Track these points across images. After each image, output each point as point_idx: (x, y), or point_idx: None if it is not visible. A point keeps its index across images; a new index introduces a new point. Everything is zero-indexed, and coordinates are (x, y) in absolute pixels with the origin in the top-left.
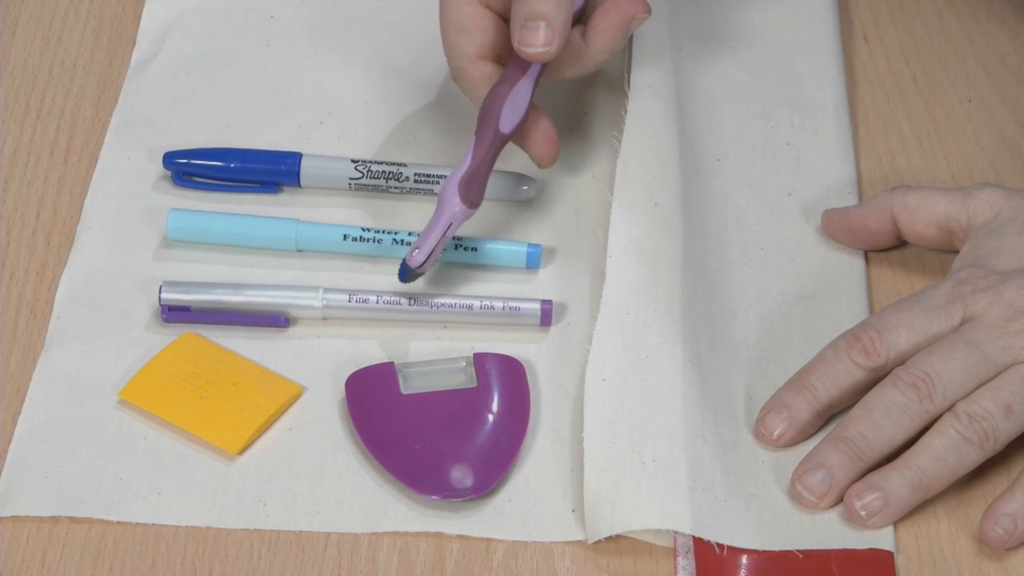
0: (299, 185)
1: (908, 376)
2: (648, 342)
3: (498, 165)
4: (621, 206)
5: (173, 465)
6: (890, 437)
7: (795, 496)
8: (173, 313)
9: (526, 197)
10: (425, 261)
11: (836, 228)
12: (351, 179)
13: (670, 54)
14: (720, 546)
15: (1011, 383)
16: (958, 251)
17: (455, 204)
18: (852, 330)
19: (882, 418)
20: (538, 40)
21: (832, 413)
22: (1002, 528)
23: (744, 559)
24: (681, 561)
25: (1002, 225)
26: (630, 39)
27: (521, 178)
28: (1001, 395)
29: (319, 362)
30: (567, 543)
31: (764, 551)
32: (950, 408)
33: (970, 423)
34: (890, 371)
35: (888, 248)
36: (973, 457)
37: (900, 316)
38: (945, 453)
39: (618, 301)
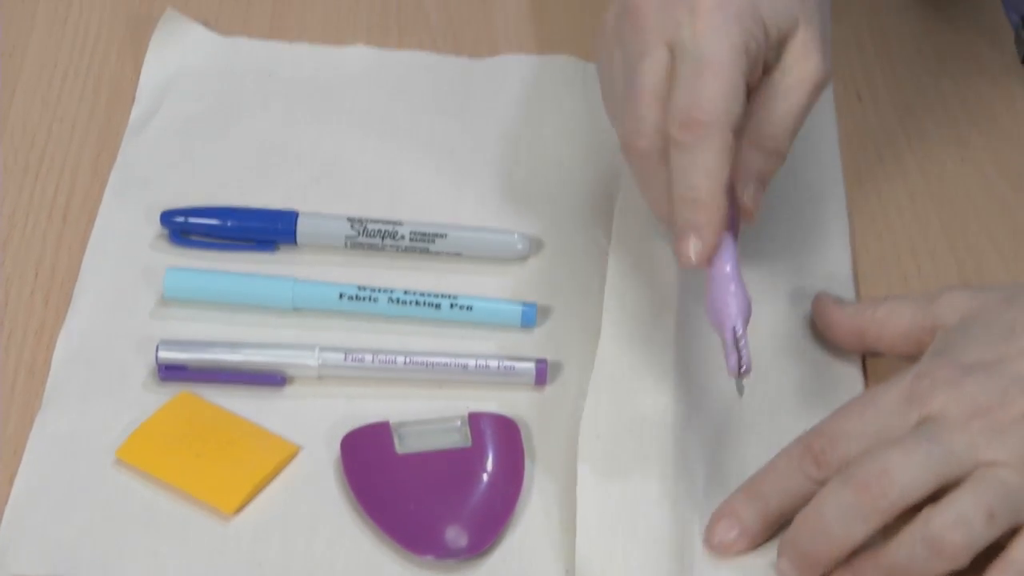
0: (296, 243)
1: (863, 474)
2: (642, 403)
3: (493, 222)
4: (617, 266)
5: (169, 525)
6: (841, 542)
7: None
8: (170, 372)
9: (521, 255)
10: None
11: (817, 319)
12: (347, 237)
13: None
14: None
15: (988, 486)
16: None
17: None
18: (805, 438)
19: (832, 522)
20: (687, 250)
21: (785, 520)
22: None
23: None
24: None
25: (969, 322)
26: None
27: (516, 236)
28: (981, 499)
29: (315, 421)
30: None
31: None
32: (917, 512)
33: (943, 533)
34: None
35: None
36: (941, 568)
37: (854, 424)
38: (907, 565)
39: (613, 359)
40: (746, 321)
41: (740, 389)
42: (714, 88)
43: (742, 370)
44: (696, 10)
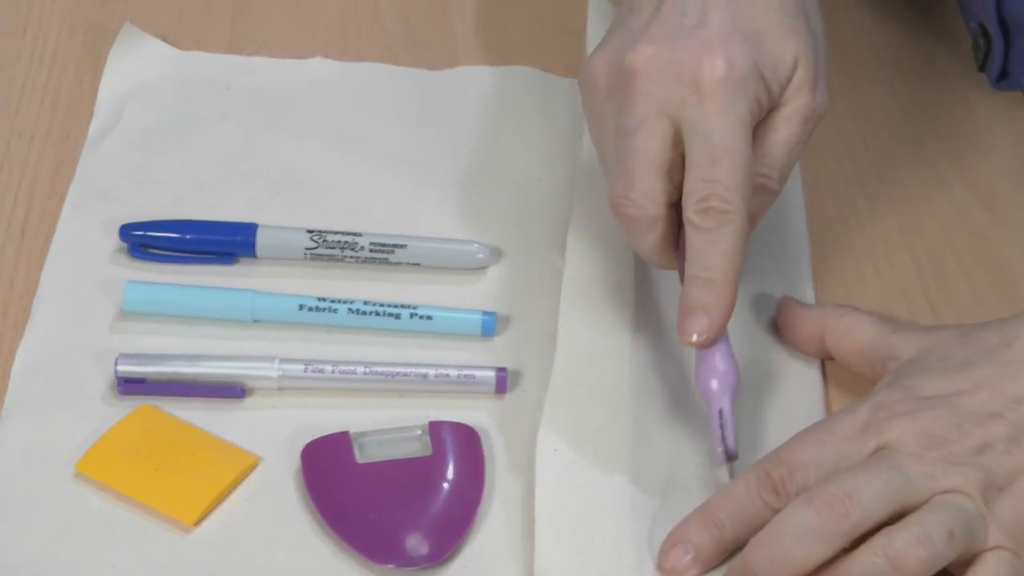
0: (255, 256)
1: (826, 495)
2: (598, 415)
3: (453, 233)
4: (572, 278)
5: (129, 537)
6: (800, 563)
7: None
8: (129, 385)
9: (480, 264)
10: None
11: (779, 320)
12: (307, 249)
13: None
14: None
15: (947, 509)
16: (877, 380)
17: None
18: (763, 464)
19: (792, 544)
20: (694, 329)
21: (740, 546)
22: None
23: None
24: None
25: (925, 356)
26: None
27: (475, 246)
28: (942, 519)
29: (275, 432)
30: None
31: None
32: (878, 531)
33: (906, 549)
34: None
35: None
36: None
37: (811, 452)
38: None
39: (569, 372)
40: (734, 397)
41: (730, 472)
42: (733, 177)
43: (728, 456)
44: (701, 88)
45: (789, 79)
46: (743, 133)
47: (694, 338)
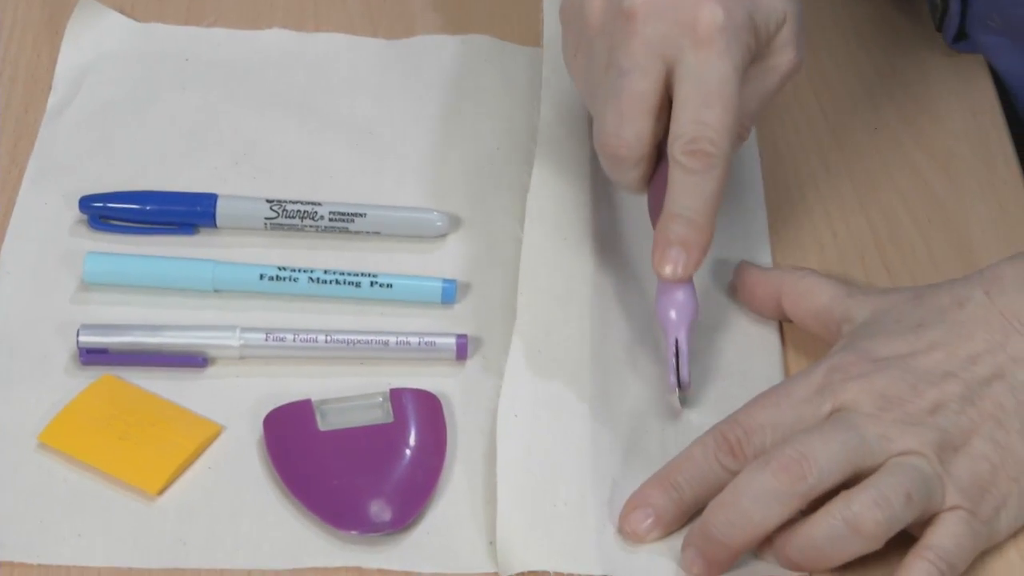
0: (215, 226)
1: (783, 457)
2: (558, 380)
3: (412, 201)
4: (531, 245)
5: (94, 507)
6: (759, 524)
7: None
8: (91, 356)
9: (439, 232)
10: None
11: (737, 283)
12: (267, 219)
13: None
14: None
15: (904, 471)
16: (833, 342)
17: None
18: (720, 427)
19: (750, 506)
20: (670, 262)
21: (700, 508)
22: None
23: None
24: None
25: (879, 318)
26: (541, 80)
27: (435, 214)
28: (899, 481)
29: (237, 401)
30: (485, 574)
31: None
32: (838, 494)
33: (864, 512)
34: None
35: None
36: (857, 549)
37: (768, 414)
38: (824, 544)
39: (528, 339)
40: (692, 330)
41: (682, 400)
42: (723, 121)
43: (680, 386)
44: (699, 33)
45: (776, 33)
46: (736, 79)
47: (668, 271)
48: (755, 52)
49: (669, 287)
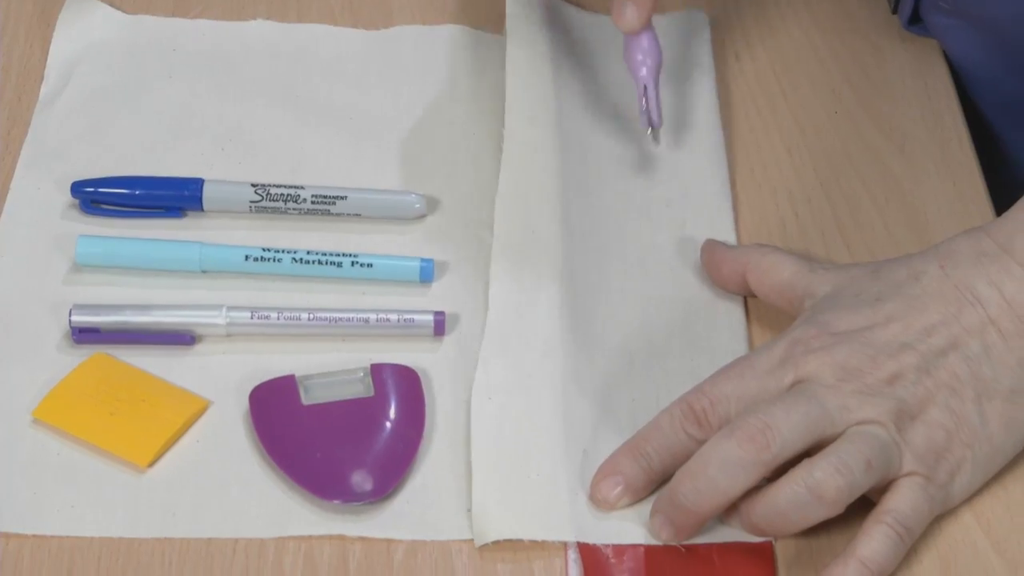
0: (202, 209)
1: (747, 427)
2: (530, 362)
3: (391, 184)
4: (503, 230)
5: (86, 479)
6: (725, 491)
7: None
8: (83, 335)
9: (417, 214)
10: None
11: (703, 260)
12: (251, 202)
13: (549, 77)
14: (605, 545)
15: (864, 439)
16: (795, 316)
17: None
18: (687, 397)
19: (716, 474)
20: (626, 13)
21: (667, 475)
22: None
23: (628, 553)
24: (571, 555)
25: (839, 292)
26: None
27: (413, 196)
28: (859, 449)
29: (224, 377)
30: (463, 541)
31: (648, 545)
32: (800, 462)
33: (825, 479)
34: None
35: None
36: (819, 514)
37: (733, 385)
38: (787, 509)
39: (501, 324)
40: (657, 73)
41: (655, 138)
42: None
43: (652, 125)
44: None
45: None
46: None
47: (631, 22)
48: None
49: (634, 38)
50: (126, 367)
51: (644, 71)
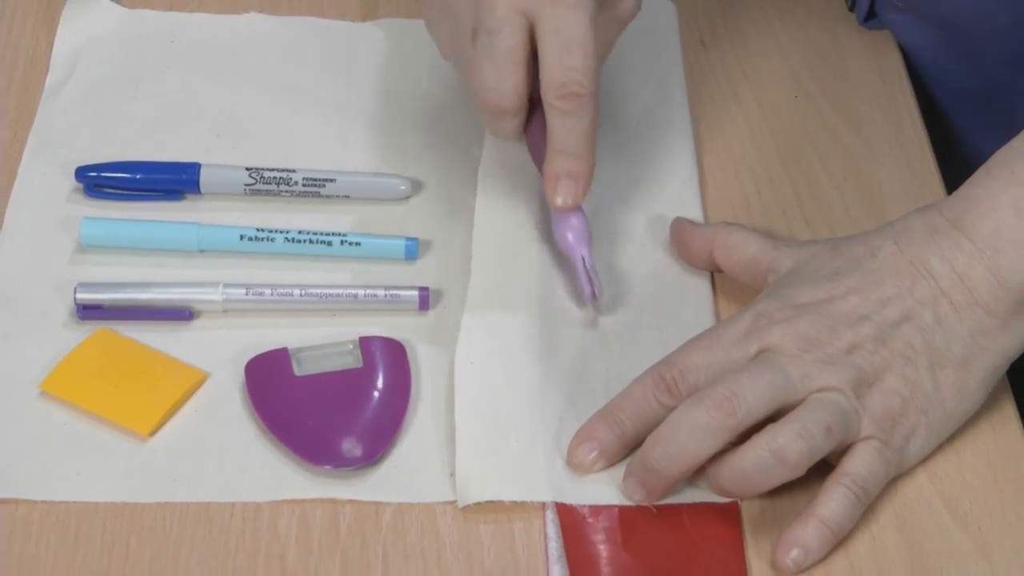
0: (199, 192)
1: (715, 395)
2: (509, 333)
3: (378, 167)
4: (483, 208)
5: (91, 448)
6: (694, 455)
7: None
8: (88, 311)
9: (403, 195)
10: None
11: (672, 238)
12: (246, 185)
13: None
14: (581, 506)
15: (824, 406)
16: (759, 290)
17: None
18: (658, 367)
19: (686, 439)
20: (561, 193)
21: (640, 440)
22: (792, 560)
23: (603, 513)
24: (549, 515)
25: (801, 267)
26: None
27: (398, 179)
28: (820, 415)
29: (221, 350)
30: (447, 503)
31: (622, 506)
32: (763, 427)
33: (788, 443)
34: None
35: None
36: (782, 476)
37: (701, 356)
38: (752, 472)
39: (482, 295)
40: (589, 246)
41: (599, 310)
42: (587, 64)
43: (595, 296)
44: None
45: None
46: (592, 26)
47: (560, 200)
48: (601, 2)
49: (564, 216)
50: (128, 342)
51: (577, 248)
